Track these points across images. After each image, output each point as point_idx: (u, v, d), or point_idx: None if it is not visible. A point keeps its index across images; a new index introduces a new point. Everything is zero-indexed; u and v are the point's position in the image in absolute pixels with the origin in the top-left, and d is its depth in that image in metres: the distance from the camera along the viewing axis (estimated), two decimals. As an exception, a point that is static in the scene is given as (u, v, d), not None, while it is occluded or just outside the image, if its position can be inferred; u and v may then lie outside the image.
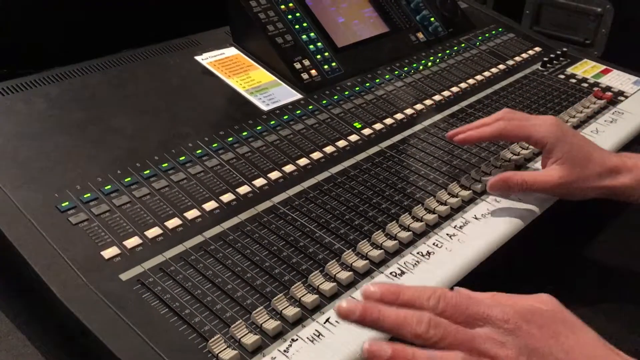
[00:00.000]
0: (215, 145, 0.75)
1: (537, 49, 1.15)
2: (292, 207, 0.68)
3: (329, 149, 0.78)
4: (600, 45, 1.40)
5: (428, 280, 0.60)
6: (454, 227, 0.68)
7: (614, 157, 0.72)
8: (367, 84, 0.94)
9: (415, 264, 0.62)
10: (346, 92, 0.91)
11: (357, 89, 0.92)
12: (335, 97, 0.89)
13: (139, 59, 0.90)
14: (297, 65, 0.91)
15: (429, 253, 0.64)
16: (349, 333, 0.53)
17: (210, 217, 0.65)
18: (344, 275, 0.59)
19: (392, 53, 1.02)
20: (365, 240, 0.64)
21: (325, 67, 0.94)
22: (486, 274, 0.66)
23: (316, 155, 0.77)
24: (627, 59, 1.13)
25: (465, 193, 0.72)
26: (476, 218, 0.69)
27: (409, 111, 0.89)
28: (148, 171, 0.69)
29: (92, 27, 0.97)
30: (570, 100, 0.98)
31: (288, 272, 0.59)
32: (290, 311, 0.54)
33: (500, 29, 1.19)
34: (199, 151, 0.74)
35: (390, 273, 0.61)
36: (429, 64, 1.03)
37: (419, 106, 0.91)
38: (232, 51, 0.95)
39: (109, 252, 0.59)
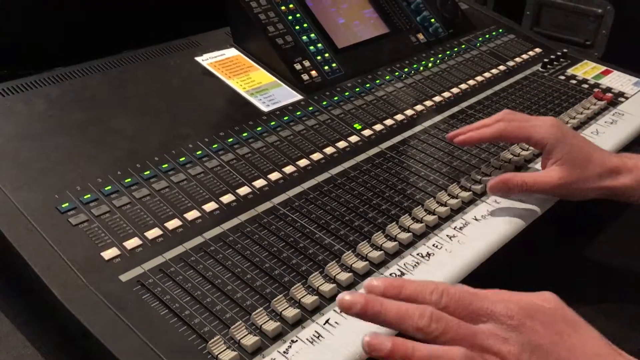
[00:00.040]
0: (216, 146, 0.75)
1: (538, 50, 1.15)
2: (292, 208, 0.68)
3: (329, 150, 0.79)
4: (600, 46, 1.40)
5: (428, 281, 0.60)
6: (454, 229, 0.68)
7: (614, 158, 0.72)
8: (368, 85, 0.94)
9: (415, 265, 0.62)
10: (346, 93, 0.91)
11: (357, 90, 0.92)
12: (336, 98, 0.89)
13: (140, 59, 0.90)
14: (298, 66, 0.91)
15: (428, 254, 0.64)
16: (348, 334, 0.54)
17: (210, 218, 0.65)
18: (343, 276, 0.59)
19: (393, 54, 1.02)
20: (365, 241, 0.64)
21: (326, 68, 0.94)
22: (486, 275, 0.66)
23: (316, 156, 0.77)
24: (628, 59, 1.13)
25: (465, 194, 0.72)
26: (476, 219, 0.69)
27: (409, 112, 0.89)
28: (148, 172, 0.69)
29: (92, 28, 0.98)
30: (570, 101, 0.98)
31: (288, 273, 0.60)
32: (290, 312, 0.54)
33: (500, 30, 1.19)
34: (199, 152, 0.74)
35: (390, 274, 0.61)
36: (429, 65, 1.03)
37: (419, 107, 0.91)
38: (232, 52, 0.95)
39: (109, 253, 0.59)
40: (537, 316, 0.46)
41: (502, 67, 1.06)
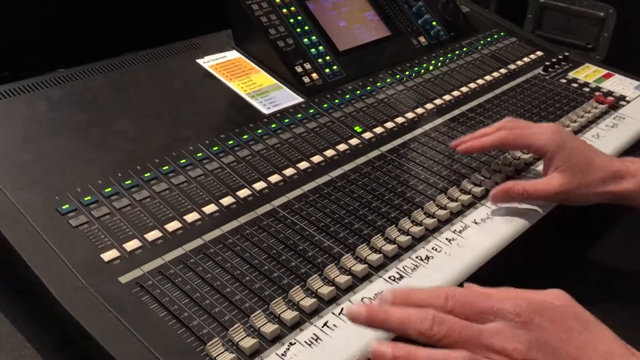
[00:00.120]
0: (216, 148, 0.75)
1: (539, 53, 1.15)
2: (292, 210, 0.68)
3: (329, 153, 0.79)
4: (602, 50, 1.40)
5: (427, 284, 0.60)
6: (454, 232, 0.68)
7: (617, 162, 0.72)
8: (369, 88, 0.94)
9: (414, 268, 0.62)
10: (347, 96, 0.91)
11: (358, 92, 0.92)
12: (336, 100, 0.89)
13: (141, 61, 0.90)
14: (299, 69, 0.91)
15: (427, 257, 0.64)
16: (346, 337, 0.54)
17: (210, 220, 0.66)
18: (342, 279, 0.59)
19: (394, 57, 1.02)
20: (364, 244, 0.64)
21: (327, 70, 0.94)
22: (488, 277, 0.66)
23: (316, 158, 0.77)
24: (630, 63, 1.13)
25: (465, 197, 0.72)
26: (476, 222, 0.70)
27: (410, 115, 0.89)
28: (149, 174, 0.69)
29: (94, 30, 0.98)
30: (571, 104, 0.98)
31: (287, 275, 0.60)
32: (289, 315, 0.54)
33: (502, 33, 1.19)
34: (200, 154, 0.74)
35: (389, 277, 0.61)
36: (431, 67, 1.03)
37: (420, 110, 0.91)
38: (233, 54, 0.95)
39: (109, 255, 0.59)
40: (547, 313, 0.46)
41: (503, 70, 1.06)
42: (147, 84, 0.86)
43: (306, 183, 0.73)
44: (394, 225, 0.67)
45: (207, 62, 0.92)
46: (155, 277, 0.58)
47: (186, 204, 0.67)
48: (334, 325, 0.55)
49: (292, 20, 0.95)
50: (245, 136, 0.79)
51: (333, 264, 0.61)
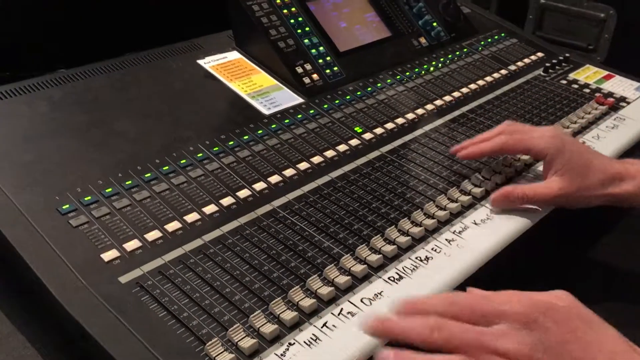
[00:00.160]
0: (216, 148, 0.75)
1: (540, 54, 1.15)
2: (292, 211, 0.68)
3: (329, 153, 0.79)
4: (603, 51, 1.40)
5: (426, 285, 0.60)
6: (453, 232, 0.68)
7: (617, 164, 0.72)
8: (369, 89, 0.94)
9: (414, 269, 0.62)
10: (347, 97, 0.91)
11: (358, 93, 0.92)
12: (337, 101, 0.89)
13: (142, 62, 0.90)
14: (299, 70, 0.92)
15: (427, 258, 0.64)
16: (346, 338, 0.54)
17: (210, 221, 0.66)
18: (342, 279, 0.59)
19: (394, 58, 1.02)
20: (364, 244, 0.64)
21: (327, 71, 0.94)
22: (489, 278, 0.66)
23: (317, 159, 0.77)
24: (630, 64, 1.13)
25: (465, 198, 0.72)
26: (475, 223, 0.70)
27: (410, 116, 0.90)
28: (149, 174, 0.70)
29: (95, 30, 0.98)
30: (571, 105, 0.98)
31: (286, 276, 0.60)
32: (288, 315, 0.54)
33: (502, 34, 1.19)
34: (200, 155, 0.74)
35: (389, 278, 0.61)
36: (431, 68, 1.03)
37: (420, 111, 0.91)
38: (234, 55, 0.95)
39: (109, 255, 0.59)
40: (550, 314, 0.46)
41: (503, 71, 1.06)
42: (147, 85, 0.86)
43: (306, 184, 0.73)
44: (393, 226, 0.67)
45: (208, 63, 0.92)
46: (155, 277, 0.58)
47: (186, 204, 0.67)
48: (333, 325, 0.55)
49: (292, 21, 0.96)
50: (245, 137, 0.79)
51: (333, 264, 0.61)
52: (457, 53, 1.09)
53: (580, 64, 1.12)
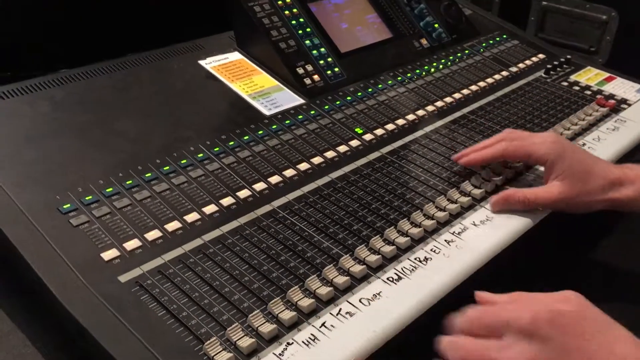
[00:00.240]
0: (217, 149, 0.76)
1: (541, 56, 1.15)
2: (292, 211, 0.69)
3: (329, 154, 0.79)
4: (604, 53, 1.40)
5: (425, 286, 0.60)
6: (453, 233, 0.68)
7: (616, 170, 0.72)
8: (370, 90, 0.94)
9: (413, 269, 0.62)
10: (348, 98, 0.91)
11: (359, 94, 0.93)
12: (338, 102, 0.90)
13: (144, 62, 0.91)
14: (300, 71, 0.92)
15: (426, 259, 0.64)
16: (344, 338, 0.54)
17: (210, 221, 0.66)
18: (341, 279, 0.59)
19: (396, 59, 1.03)
20: (363, 245, 0.64)
21: (328, 72, 0.94)
22: (489, 278, 0.66)
23: (317, 160, 0.77)
24: (632, 66, 1.13)
25: (464, 199, 0.72)
26: (475, 224, 0.70)
27: (410, 117, 0.90)
28: (149, 174, 0.70)
29: (97, 31, 0.98)
30: (572, 107, 0.98)
31: (285, 276, 0.60)
32: (287, 315, 0.55)
33: (504, 36, 1.19)
34: (201, 155, 0.74)
35: (388, 278, 0.61)
36: (432, 70, 1.03)
37: (420, 112, 0.91)
38: (235, 56, 0.96)
39: (109, 254, 0.60)
40: (555, 322, 0.46)
41: (505, 73, 1.06)
42: (149, 85, 0.86)
43: (306, 184, 0.73)
44: (393, 227, 0.67)
45: (209, 64, 0.92)
46: (154, 276, 0.58)
47: (186, 204, 0.67)
48: (332, 325, 0.55)
49: (294, 22, 0.96)
50: (246, 137, 0.79)
51: (332, 264, 0.61)
52: (459, 54, 1.10)
53: (581, 66, 1.12)
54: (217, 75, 0.90)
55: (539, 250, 0.76)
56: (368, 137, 0.84)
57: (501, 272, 0.69)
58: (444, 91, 0.98)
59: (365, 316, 0.56)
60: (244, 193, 0.70)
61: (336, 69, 0.95)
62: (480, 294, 0.54)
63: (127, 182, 0.68)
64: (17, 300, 0.64)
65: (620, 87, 1.06)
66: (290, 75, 0.91)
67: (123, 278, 0.58)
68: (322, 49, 0.96)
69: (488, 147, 0.76)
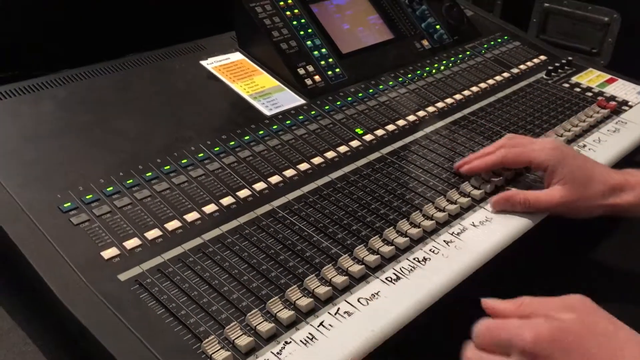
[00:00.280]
0: (217, 148, 0.76)
1: (543, 57, 1.15)
2: (291, 211, 0.69)
3: (330, 154, 0.79)
4: (606, 55, 1.40)
5: (423, 286, 0.61)
6: (452, 234, 0.68)
7: (617, 175, 0.73)
8: (371, 90, 0.94)
9: (411, 269, 0.63)
10: (349, 98, 0.91)
11: (360, 95, 0.93)
12: (338, 103, 0.90)
13: (145, 62, 0.91)
14: (301, 71, 0.92)
15: (425, 259, 0.64)
16: (342, 337, 0.54)
17: (210, 220, 0.66)
18: (339, 279, 0.59)
19: (397, 60, 1.03)
20: (362, 245, 0.64)
21: (329, 73, 0.94)
22: (489, 278, 0.66)
23: (317, 160, 0.78)
24: (634, 68, 1.13)
25: (463, 200, 0.73)
26: (474, 225, 0.70)
27: (411, 118, 0.90)
28: (150, 173, 0.70)
29: (99, 31, 0.99)
30: (573, 109, 0.98)
31: (284, 275, 0.60)
32: (285, 314, 0.55)
33: (505, 37, 1.20)
34: (201, 154, 0.75)
35: (386, 278, 0.61)
36: (433, 71, 1.03)
37: (421, 113, 0.92)
38: (237, 56, 0.96)
39: (109, 253, 0.60)
40: (559, 341, 0.47)
41: (506, 74, 1.07)
42: (150, 85, 0.87)
43: (306, 184, 0.74)
44: (392, 227, 0.67)
45: (211, 64, 0.93)
46: (154, 275, 0.59)
47: (186, 203, 0.67)
48: (330, 325, 0.55)
49: (295, 23, 0.96)
50: (246, 137, 0.79)
51: (330, 264, 0.61)
52: (460, 56, 1.10)
53: (583, 68, 1.12)
54: (219, 76, 0.91)
55: (539, 250, 0.76)
56: (368, 137, 0.84)
57: (501, 272, 0.69)
58: (444, 92, 0.98)
59: (364, 316, 0.57)
60: (243, 193, 0.70)
61: (337, 70, 0.95)
62: (485, 303, 0.54)
63: (128, 181, 0.68)
64: (17, 298, 0.64)
65: (621, 88, 1.06)
66: (291, 76, 0.91)
67: (123, 276, 0.58)
68: (323, 50, 0.96)
69: (489, 154, 0.76)
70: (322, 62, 0.95)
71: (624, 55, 1.37)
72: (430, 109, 0.93)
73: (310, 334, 0.54)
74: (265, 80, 0.92)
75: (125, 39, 0.97)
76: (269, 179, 0.73)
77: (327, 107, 0.88)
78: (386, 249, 0.64)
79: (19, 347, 0.61)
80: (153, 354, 0.51)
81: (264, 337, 0.53)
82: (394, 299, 0.59)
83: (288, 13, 0.97)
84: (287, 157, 0.77)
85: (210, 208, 0.67)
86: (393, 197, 0.73)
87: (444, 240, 0.67)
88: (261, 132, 0.81)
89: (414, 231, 0.67)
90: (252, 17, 0.93)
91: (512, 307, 0.52)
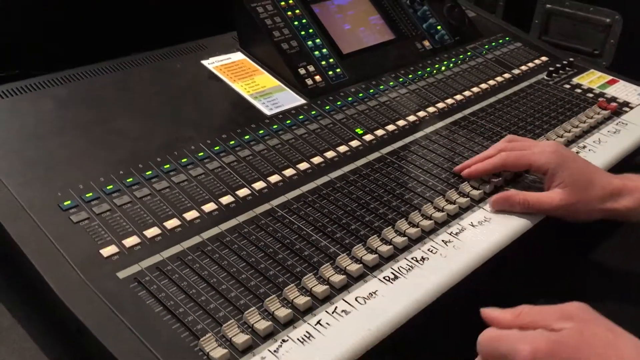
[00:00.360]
0: (217, 148, 0.76)
1: (544, 58, 1.15)
2: (290, 210, 0.69)
3: (329, 154, 0.79)
4: (608, 56, 1.40)
5: (421, 285, 0.61)
6: (450, 234, 0.68)
7: (616, 180, 0.73)
8: (371, 91, 0.94)
9: (409, 269, 0.63)
10: (349, 98, 0.92)
11: (360, 95, 0.93)
12: (339, 103, 0.90)
13: (147, 62, 0.91)
14: (302, 71, 0.92)
15: (423, 259, 0.64)
16: (339, 336, 0.54)
17: (209, 219, 0.66)
18: (337, 278, 0.59)
19: (398, 60, 1.03)
20: (360, 244, 0.64)
21: (330, 73, 0.95)
22: (488, 278, 0.66)
23: (317, 159, 0.78)
24: (636, 70, 1.13)
25: (462, 200, 0.73)
26: (472, 225, 0.70)
27: (411, 118, 0.90)
28: (150, 172, 0.70)
29: (101, 31, 0.99)
30: (574, 110, 0.98)
31: (282, 274, 0.60)
32: (282, 312, 0.55)
33: (507, 38, 1.20)
34: (201, 153, 0.75)
35: (384, 277, 0.61)
36: (434, 71, 1.03)
37: (421, 113, 0.92)
38: (238, 56, 0.96)
39: (108, 251, 0.60)
40: (556, 354, 0.46)
41: (507, 75, 1.07)
42: (151, 84, 0.87)
43: (306, 183, 0.74)
44: (390, 227, 0.67)
45: (212, 64, 0.93)
46: (152, 273, 0.59)
47: (186, 202, 0.68)
48: (327, 323, 0.55)
49: (296, 23, 0.96)
50: (246, 136, 0.79)
51: (328, 263, 0.62)
52: (461, 56, 1.10)
53: (584, 69, 1.12)
54: (220, 75, 0.91)
55: (538, 250, 0.76)
56: (368, 137, 0.84)
57: (500, 272, 0.69)
58: (445, 93, 0.98)
59: (361, 315, 0.57)
60: (243, 192, 0.71)
61: (338, 70, 0.95)
62: (484, 313, 0.54)
63: (128, 180, 0.69)
64: (17, 295, 0.65)
65: (622, 90, 1.06)
66: (292, 76, 0.92)
67: (121, 274, 0.58)
68: (324, 50, 0.96)
69: (489, 157, 0.77)
70: (323, 62, 0.95)
71: (626, 57, 1.36)
72: (431, 109, 0.93)
73: (307, 332, 0.54)
74: (266, 80, 0.92)
75: (126, 40, 0.97)
76: (269, 178, 0.73)
77: (327, 107, 0.89)
78: (384, 248, 0.64)
79: (18, 344, 0.61)
80: (150, 351, 0.51)
81: (261, 335, 0.54)
82: (391, 298, 0.59)
83: (289, 13, 0.97)
84: (287, 157, 0.78)
85: (209, 207, 0.68)
86: (392, 196, 0.73)
87: (443, 240, 0.67)
88: (261, 132, 0.81)
89: (412, 231, 0.67)
90: (254, 17, 0.94)
91: (510, 317, 0.52)
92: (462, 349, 0.53)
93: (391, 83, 0.97)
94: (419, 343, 0.61)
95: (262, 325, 0.54)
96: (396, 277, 0.62)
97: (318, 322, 0.55)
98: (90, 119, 0.78)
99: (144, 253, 0.61)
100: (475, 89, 1.01)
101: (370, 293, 0.59)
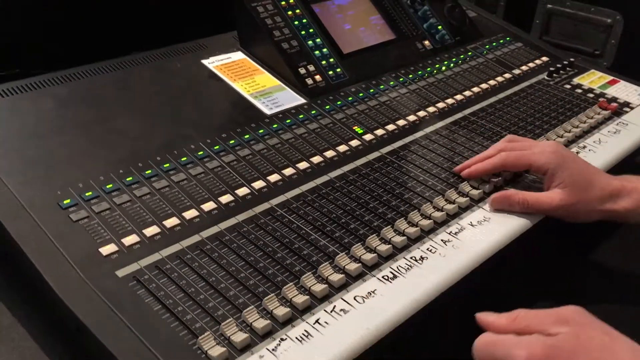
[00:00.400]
0: (217, 147, 0.76)
1: (545, 58, 1.15)
2: (290, 209, 0.69)
3: (329, 154, 0.79)
4: (609, 56, 1.40)
5: (420, 285, 0.61)
6: (449, 233, 0.68)
7: (615, 181, 0.73)
8: (371, 90, 0.94)
9: (408, 268, 0.63)
10: (349, 98, 0.92)
11: (360, 95, 0.93)
12: (339, 102, 0.90)
13: (147, 61, 0.91)
14: (302, 71, 0.92)
15: (422, 258, 0.64)
16: (338, 335, 0.54)
17: (208, 218, 0.66)
18: (336, 277, 0.59)
19: (398, 60, 1.03)
20: (359, 243, 0.64)
21: (330, 72, 0.95)
22: (487, 278, 0.66)
23: (316, 159, 0.78)
24: (637, 70, 1.13)
25: (462, 200, 0.73)
26: (472, 225, 0.70)
27: (411, 118, 0.90)
28: (149, 171, 0.71)
29: (101, 30, 0.99)
30: (574, 110, 0.98)
31: (281, 273, 0.60)
32: (281, 311, 0.55)
33: (508, 38, 1.20)
34: (201, 153, 0.75)
35: (383, 277, 0.61)
36: (434, 71, 1.03)
37: (421, 113, 0.92)
38: (238, 55, 0.97)
39: (107, 249, 0.60)
40: (553, 356, 0.46)
41: (507, 75, 1.07)
42: (151, 84, 0.87)
43: (305, 183, 0.74)
44: (389, 226, 0.67)
45: (212, 63, 0.93)
46: (151, 271, 0.59)
47: (185, 201, 0.68)
48: (325, 322, 0.55)
49: (297, 23, 0.96)
50: (246, 136, 0.80)
51: (327, 262, 0.62)
52: (462, 56, 1.10)
53: (585, 69, 1.12)
54: (220, 75, 0.91)
55: (537, 250, 0.76)
56: (368, 137, 0.84)
57: (499, 272, 0.69)
58: (445, 92, 0.98)
59: (360, 314, 0.57)
60: (242, 191, 0.71)
61: (338, 70, 0.96)
62: (480, 318, 0.54)
63: (127, 179, 0.69)
64: (17, 294, 0.65)
65: (623, 90, 1.06)
66: (292, 75, 0.92)
67: (121, 273, 0.58)
68: (325, 50, 0.97)
69: (489, 157, 0.77)
70: (323, 62, 0.95)
71: (627, 57, 1.36)
72: (431, 109, 0.93)
73: (305, 331, 0.54)
74: (266, 79, 0.92)
75: (126, 39, 0.98)
76: (268, 178, 0.73)
77: (327, 107, 0.89)
78: (383, 248, 0.64)
79: (18, 342, 0.61)
80: (149, 349, 0.51)
81: (260, 334, 0.54)
82: (390, 297, 0.59)
83: (289, 13, 0.97)
84: (287, 156, 0.78)
85: (209, 206, 0.68)
86: (391, 196, 0.73)
87: (442, 240, 0.67)
88: (261, 131, 0.81)
89: (411, 230, 0.67)
90: (254, 17, 0.94)
91: (506, 321, 0.52)
92: (460, 349, 0.53)
93: (391, 83, 0.97)
94: (417, 342, 0.61)
95: (261, 323, 0.54)
96: (395, 277, 0.62)
97: (317, 321, 0.55)
98: (90, 118, 0.78)
99: (143, 252, 0.61)
100: (475, 89, 1.01)
101: (369, 292, 0.59)
